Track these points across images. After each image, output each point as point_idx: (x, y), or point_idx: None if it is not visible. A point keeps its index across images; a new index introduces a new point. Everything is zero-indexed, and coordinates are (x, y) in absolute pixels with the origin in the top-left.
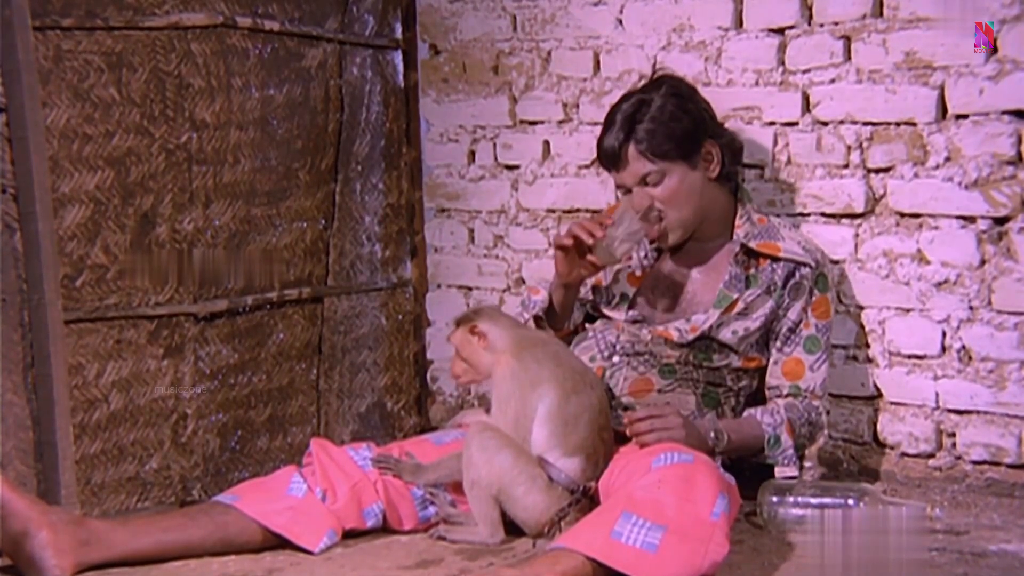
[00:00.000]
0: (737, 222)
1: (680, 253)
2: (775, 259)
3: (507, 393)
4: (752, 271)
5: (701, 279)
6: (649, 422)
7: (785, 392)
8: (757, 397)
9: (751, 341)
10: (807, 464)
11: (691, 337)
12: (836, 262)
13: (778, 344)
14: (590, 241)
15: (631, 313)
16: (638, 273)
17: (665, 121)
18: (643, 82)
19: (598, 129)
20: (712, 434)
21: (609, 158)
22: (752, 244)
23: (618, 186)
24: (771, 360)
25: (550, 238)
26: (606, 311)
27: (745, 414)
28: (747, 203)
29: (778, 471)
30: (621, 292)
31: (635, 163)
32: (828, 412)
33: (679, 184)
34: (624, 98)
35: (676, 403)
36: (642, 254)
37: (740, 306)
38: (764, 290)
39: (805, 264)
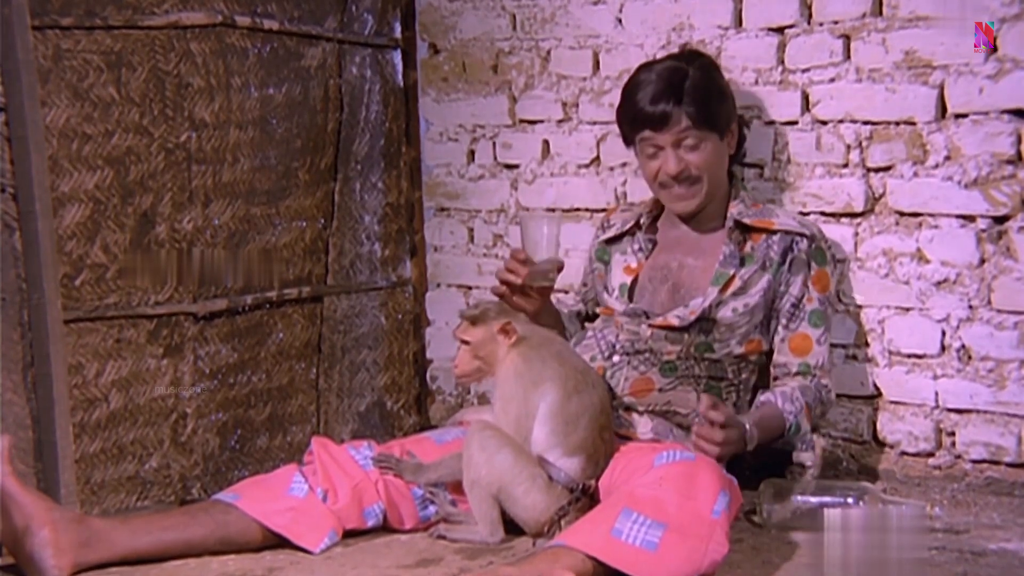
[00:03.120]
0: (731, 204)
1: (676, 241)
2: (771, 232)
3: (510, 392)
4: (747, 249)
5: (699, 265)
6: (723, 434)
7: (794, 370)
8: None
9: (752, 320)
10: (807, 463)
11: (692, 319)
12: (836, 261)
13: (783, 321)
14: (520, 282)
15: (631, 306)
16: (633, 265)
17: (713, 92)
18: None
19: (598, 129)
20: (751, 432)
21: (655, 117)
22: (746, 220)
23: (649, 145)
24: (777, 338)
25: None
26: (609, 302)
27: (762, 399)
28: (742, 190)
29: (796, 455)
30: (620, 283)
31: (680, 125)
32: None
33: (712, 154)
34: (656, 61)
35: (677, 401)
36: (636, 246)
37: (737, 283)
38: (760, 266)
39: (801, 235)
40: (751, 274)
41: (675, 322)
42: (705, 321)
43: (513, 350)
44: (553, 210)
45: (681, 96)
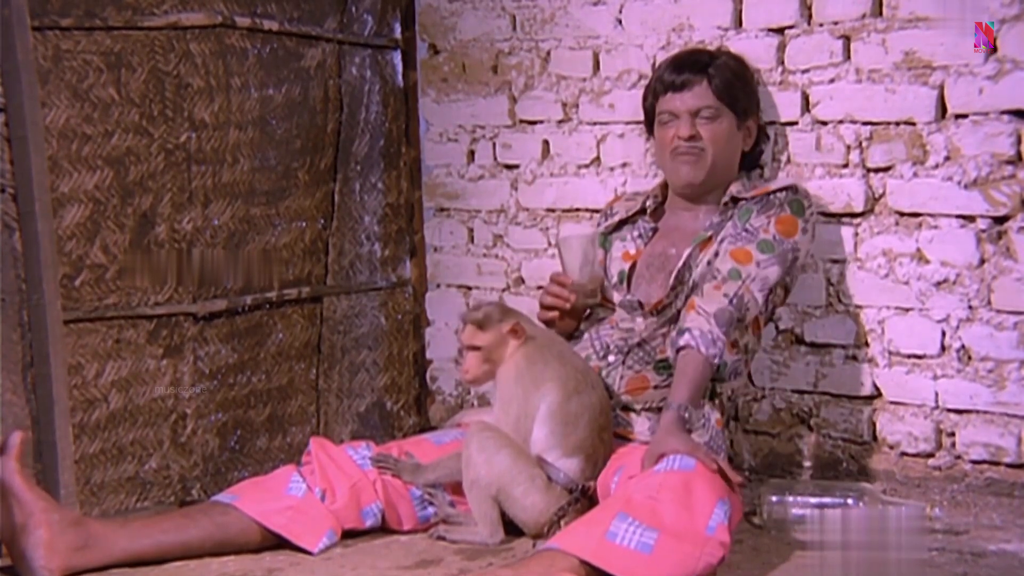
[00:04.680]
0: (732, 184)
1: (675, 229)
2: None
3: (510, 394)
4: (730, 213)
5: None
6: (668, 447)
7: (724, 274)
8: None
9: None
10: (805, 464)
11: (672, 280)
12: (836, 261)
13: (731, 239)
14: (568, 307)
15: (627, 297)
16: (632, 251)
17: (738, 75)
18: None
19: (598, 129)
20: (686, 415)
21: (676, 82)
22: (742, 195)
23: (661, 112)
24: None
25: (550, 237)
26: (608, 291)
27: (681, 342)
28: (746, 178)
29: (725, 387)
30: (619, 270)
31: (700, 92)
32: (766, 310)
33: (726, 131)
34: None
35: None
36: (636, 233)
37: (713, 243)
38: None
39: (784, 189)
40: (724, 227)
41: (661, 294)
42: (686, 286)
43: (518, 351)
44: (553, 210)
45: (706, 68)
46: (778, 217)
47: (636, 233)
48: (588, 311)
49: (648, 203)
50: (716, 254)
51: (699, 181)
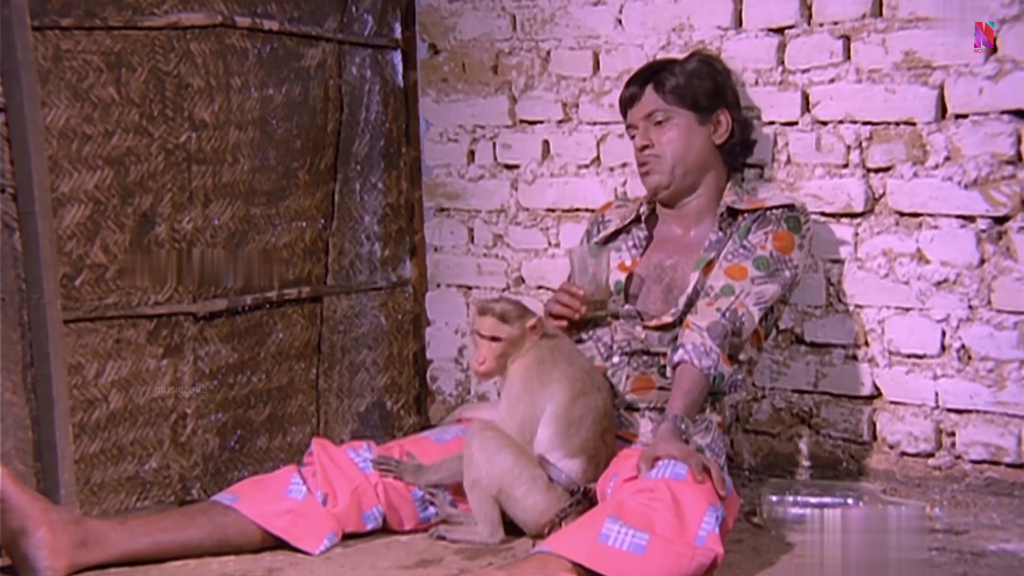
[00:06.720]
0: (725, 194)
1: (669, 239)
2: (755, 211)
3: (519, 393)
4: (731, 230)
5: (691, 263)
6: (663, 452)
7: (716, 291)
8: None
9: None
10: (805, 463)
11: (682, 305)
12: (836, 261)
13: (728, 256)
14: (577, 317)
15: (625, 307)
16: (627, 262)
17: (689, 75)
18: None
19: (598, 129)
20: (682, 426)
21: (627, 97)
22: (739, 206)
23: (628, 125)
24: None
25: (550, 238)
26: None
27: (676, 358)
28: (738, 185)
29: (728, 399)
30: (615, 280)
31: (648, 99)
32: (758, 322)
33: (683, 131)
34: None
35: None
36: (631, 243)
37: (717, 264)
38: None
39: (782, 206)
40: (725, 246)
41: (668, 319)
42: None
43: (531, 349)
44: (553, 210)
45: (652, 78)
46: (775, 234)
47: (631, 243)
48: (593, 325)
49: (642, 210)
50: None
51: (664, 186)
